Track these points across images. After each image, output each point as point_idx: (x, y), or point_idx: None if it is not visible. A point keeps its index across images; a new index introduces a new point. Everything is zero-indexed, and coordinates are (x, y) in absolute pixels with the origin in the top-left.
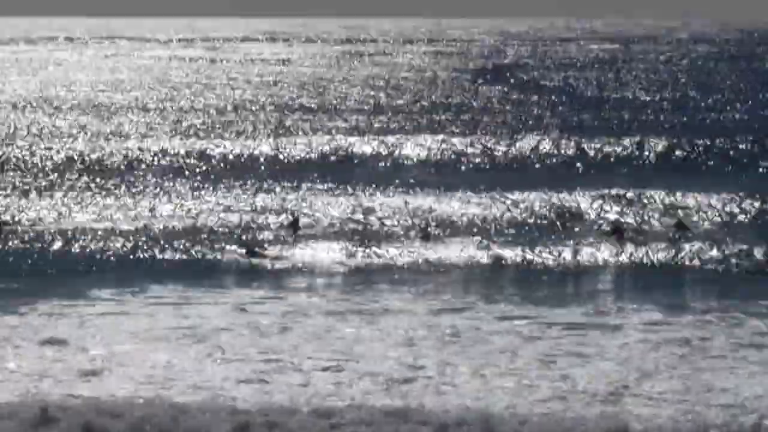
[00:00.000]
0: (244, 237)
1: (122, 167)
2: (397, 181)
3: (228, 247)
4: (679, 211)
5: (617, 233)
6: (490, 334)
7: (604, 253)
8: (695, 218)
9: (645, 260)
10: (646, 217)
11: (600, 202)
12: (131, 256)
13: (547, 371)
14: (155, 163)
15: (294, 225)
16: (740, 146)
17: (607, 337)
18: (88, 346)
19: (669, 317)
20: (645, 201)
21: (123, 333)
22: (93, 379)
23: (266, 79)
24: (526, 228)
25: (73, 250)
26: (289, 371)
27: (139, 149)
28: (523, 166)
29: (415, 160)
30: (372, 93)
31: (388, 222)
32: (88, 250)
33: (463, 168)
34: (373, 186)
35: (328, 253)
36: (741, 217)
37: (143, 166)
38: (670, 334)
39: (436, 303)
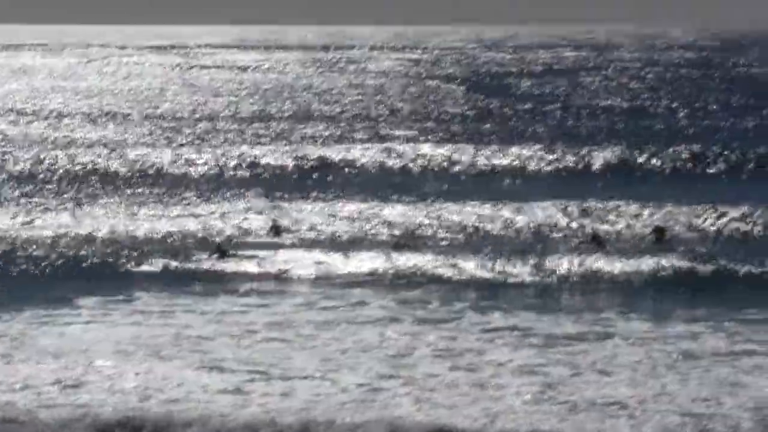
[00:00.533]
0: (223, 244)
1: (101, 175)
2: (378, 188)
3: (207, 254)
4: (657, 220)
5: (597, 242)
6: (476, 345)
7: (586, 262)
8: (673, 226)
9: (626, 269)
10: (625, 226)
11: (578, 211)
12: (113, 265)
13: (534, 382)
14: (135, 171)
15: (275, 232)
16: (717, 153)
17: (594, 346)
18: (68, 356)
19: (655, 326)
20: (623, 210)
21: (104, 342)
22: (74, 390)
23: (244, 86)
24: (507, 239)
25: (52, 257)
26: (272, 381)
27: (118, 157)
28: (500, 176)
29: (395, 167)
30: (352, 99)
31: (371, 230)
32: (68, 258)
33: (441, 177)
34: (355, 193)
35: (310, 261)
36: (717, 225)
37: (122, 174)
38: (657, 343)
39: (421, 313)
